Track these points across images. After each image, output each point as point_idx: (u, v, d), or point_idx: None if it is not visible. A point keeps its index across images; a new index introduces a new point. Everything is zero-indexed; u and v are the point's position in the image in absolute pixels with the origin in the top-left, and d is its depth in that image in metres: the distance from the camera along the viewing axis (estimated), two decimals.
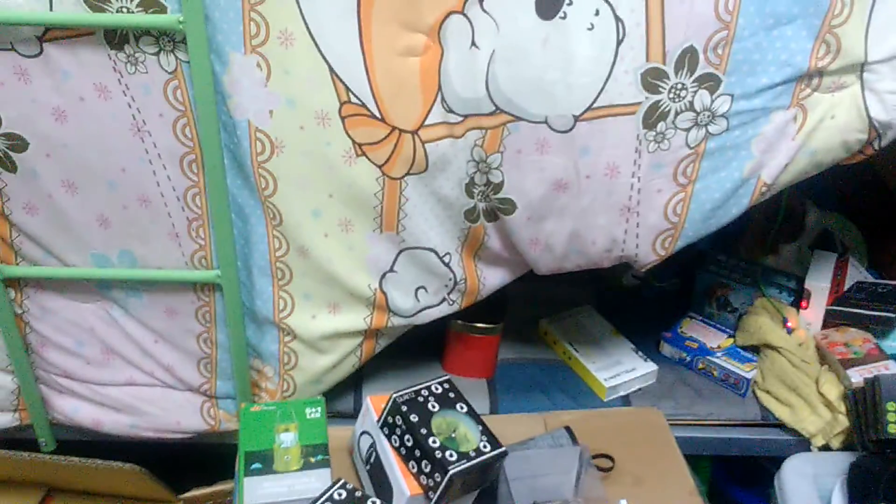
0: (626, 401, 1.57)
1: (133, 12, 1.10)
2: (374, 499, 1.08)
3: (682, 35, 1.12)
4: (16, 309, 1.39)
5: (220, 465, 1.50)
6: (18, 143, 1.21)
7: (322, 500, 1.07)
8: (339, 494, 1.08)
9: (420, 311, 1.40)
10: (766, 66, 1.15)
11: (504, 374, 1.62)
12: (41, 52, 1.14)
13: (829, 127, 1.21)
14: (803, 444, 1.50)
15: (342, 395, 1.53)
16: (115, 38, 1.13)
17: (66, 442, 1.55)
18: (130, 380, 1.47)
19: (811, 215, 1.74)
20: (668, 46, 1.12)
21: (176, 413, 1.49)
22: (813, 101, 1.20)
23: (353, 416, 1.49)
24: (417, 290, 1.38)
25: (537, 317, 1.75)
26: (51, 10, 1.10)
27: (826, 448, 1.47)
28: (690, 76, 1.15)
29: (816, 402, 1.49)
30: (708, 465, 1.73)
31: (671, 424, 1.37)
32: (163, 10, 1.10)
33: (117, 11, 1.10)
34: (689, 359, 1.65)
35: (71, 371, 1.46)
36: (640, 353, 1.64)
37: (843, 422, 1.45)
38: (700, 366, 1.63)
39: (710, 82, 1.16)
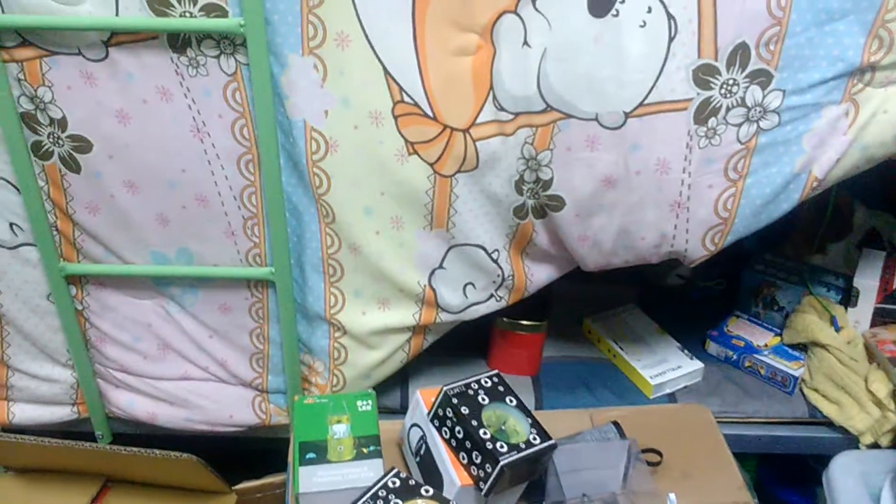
0: (672, 399, 1.57)
1: (196, 17, 1.14)
2: (427, 486, 1.10)
3: (734, 31, 1.13)
4: (76, 305, 1.44)
5: (263, 459, 1.53)
6: (83, 145, 1.26)
7: (377, 487, 1.09)
8: (394, 482, 1.10)
9: (468, 307, 1.42)
10: (819, 61, 1.16)
11: (549, 371, 1.64)
12: (106, 56, 1.19)
13: (881, 122, 1.21)
14: (851, 441, 1.49)
15: (389, 391, 1.55)
16: (178, 42, 1.17)
17: (122, 435, 1.60)
18: (185, 374, 1.51)
19: (859, 214, 1.72)
20: (720, 42, 1.13)
21: (228, 407, 1.52)
22: (865, 95, 1.20)
23: (399, 411, 1.52)
24: (466, 286, 1.40)
25: (581, 315, 1.76)
26: (116, 15, 1.14)
27: (875, 446, 1.46)
28: (742, 72, 1.16)
29: (865, 399, 1.48)
30: (753, 464, 1.73)
31: (718, 422, 1.37)
32: (224, 14, 1.14)
33: (180, 16, 1.14)
34: (735, 357, 1.65)
35: (128, 366, 1.50)
36: (685, 351, 1.64)
37: (893, 419, 1.44)
38: (747, 364, 1.63)
39: (761, 78, 1.16)
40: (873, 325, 1.61)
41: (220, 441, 1.57)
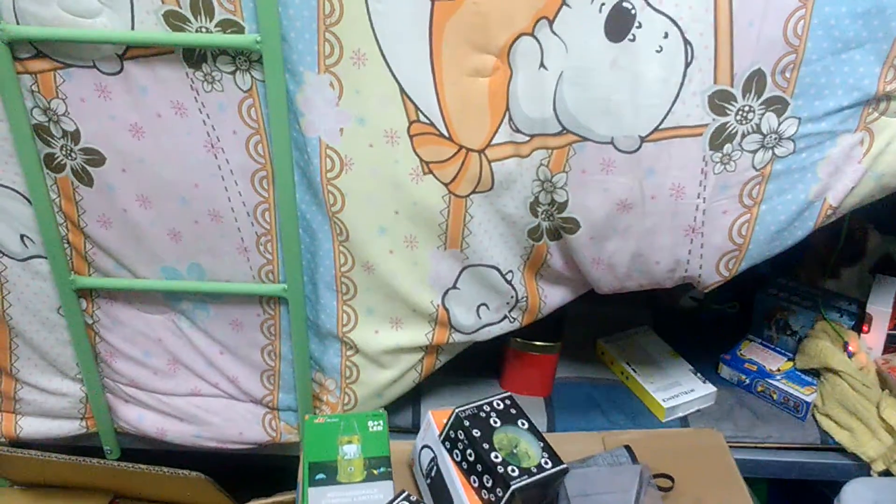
0: (684, 422, 1.56)
1: (212, 32, 1.14)
2: None
3: (750, 58, 1.12)
4: (86, 319, 1.43)
5: (274, 477, 1.52)
6: (96, 158, 1.26)
7: None
8: None
9: (481, 327, 1.42)
10: (834, 89, 1.15)
11: (561, 393, 1.63)
12: (121, 70, 1.18)
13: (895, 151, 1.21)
14: (863, 468, 1.48)
15: (401, 411, 1.55)
16: (194, 57, 1.17)
17: (130, 450, 1.59)
18: (195, 390, 1.50)
19: (872, 239, 1.72)
20: (736, 69, 1.13)
21: (238, 424, 1.51)
22: (880, 124, 1.20)
23: (411, 430, 1.51)
24: (479, 307, 1.39)
25: (595, 337, 1.76)
26: (132, 29, 1.14)
27: (886, 473, 1.45)
28: (758, 99, 1.15)
29: (877, 426, 1.47)
30: (764, 488, 1.72)
31: (730, 447, 1.36)
32: (240, 30, 1.14)
33: (196, 31, 1.14)
34: (748, 381, 1.64)
35: (138, 381, 1.50)
36: (698, 374, 1.63)
37: None
38: (759, 388, 1.62)
39: (777, 105, 1.16)
40: (886, 351, 1.60)
41: (229, 458, 1.56)
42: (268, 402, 1.51)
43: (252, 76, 1.18)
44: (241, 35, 1.14)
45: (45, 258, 1.36)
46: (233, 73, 1.18)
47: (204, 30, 1.14)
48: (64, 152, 1.26)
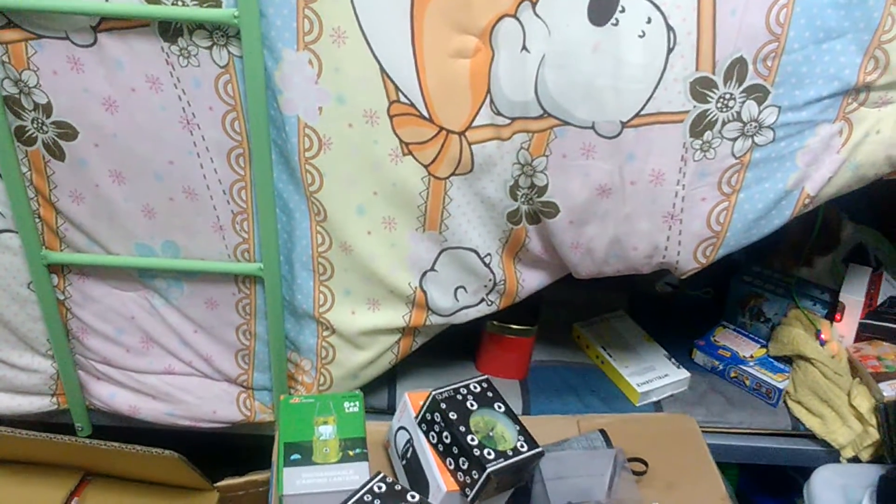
0: (658, 407, 1.57)
1: (188, 5, 1.12)
2: (413, 492, 1.09)
3: (732, 45, 1.12)
4: (58, 295, 1.41)
5: (248, 456, 1.52)
6: (68, 132, 1.23)
7: (362, 492, 1.08)
8: (379, 487, 1.09)
9: (459, 310, 1.41)
10: (815, 79, 1.16)
11: (537, 376, 1.63)
12: (95, 42, 1.16)
13: (874, 141, 1.22)
14: (833, 455, 1.50)
15: (376, 392, 1.54)
16: (170, 31, 1.15)
17: (103, 427, 1.57)
18: (168, 368, 1.49)
19: (846, 229, 1.73)
20: (718, 56, 1.13)
21: (212, 402, 1.50)
22: (859, 115, 1.21)
23: (386, 412, 1.51)
24: (457, 289, 1.39)
25: (571, 321, 1.76)
26: (107, 0, 1.12)
27: (855, 460, 1.48)
28: (739, 86, 1.15)
29: (847, 414, 1.49)
30: (735, 473, 1.74)
31: (702, 431, 1.38)
32: (218, 4, 1.12)
33: (172, 4, 1.12)
34: (721, 367, 1.65)
35: (110, 358, 1.48)
36: (672, 359, 1.64)
37: (874, 434, 1.45)
38: (732, 374, 1.63)
39: (758, 93, 1.16)
40: (857, 340, 1.62)
41: (203, 436, 1.55)
42: (242, 381, 1.50)
43: (229, 52, 1.16)
44: (219, 9, 1.12)
45: (16, 233, 1.34)
46: (209, 48, 1.16)
47: (180, 2, 1.12)
48: (35, 125, 1.23)
